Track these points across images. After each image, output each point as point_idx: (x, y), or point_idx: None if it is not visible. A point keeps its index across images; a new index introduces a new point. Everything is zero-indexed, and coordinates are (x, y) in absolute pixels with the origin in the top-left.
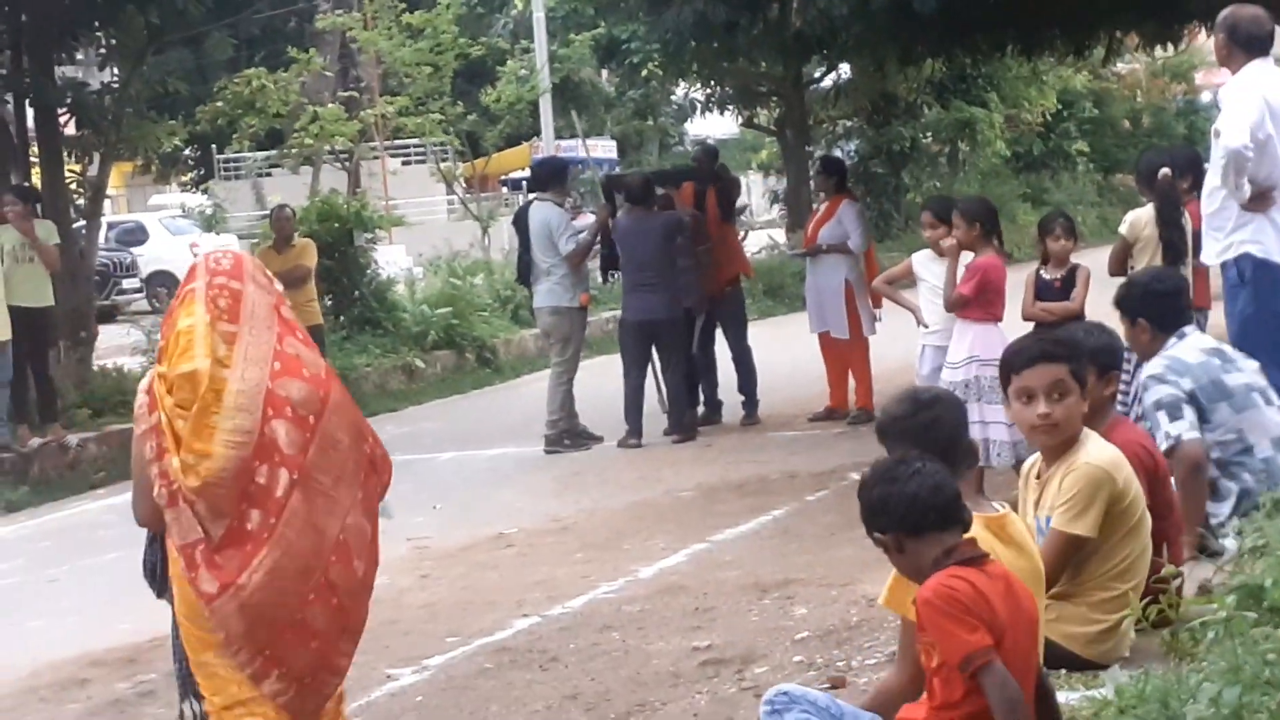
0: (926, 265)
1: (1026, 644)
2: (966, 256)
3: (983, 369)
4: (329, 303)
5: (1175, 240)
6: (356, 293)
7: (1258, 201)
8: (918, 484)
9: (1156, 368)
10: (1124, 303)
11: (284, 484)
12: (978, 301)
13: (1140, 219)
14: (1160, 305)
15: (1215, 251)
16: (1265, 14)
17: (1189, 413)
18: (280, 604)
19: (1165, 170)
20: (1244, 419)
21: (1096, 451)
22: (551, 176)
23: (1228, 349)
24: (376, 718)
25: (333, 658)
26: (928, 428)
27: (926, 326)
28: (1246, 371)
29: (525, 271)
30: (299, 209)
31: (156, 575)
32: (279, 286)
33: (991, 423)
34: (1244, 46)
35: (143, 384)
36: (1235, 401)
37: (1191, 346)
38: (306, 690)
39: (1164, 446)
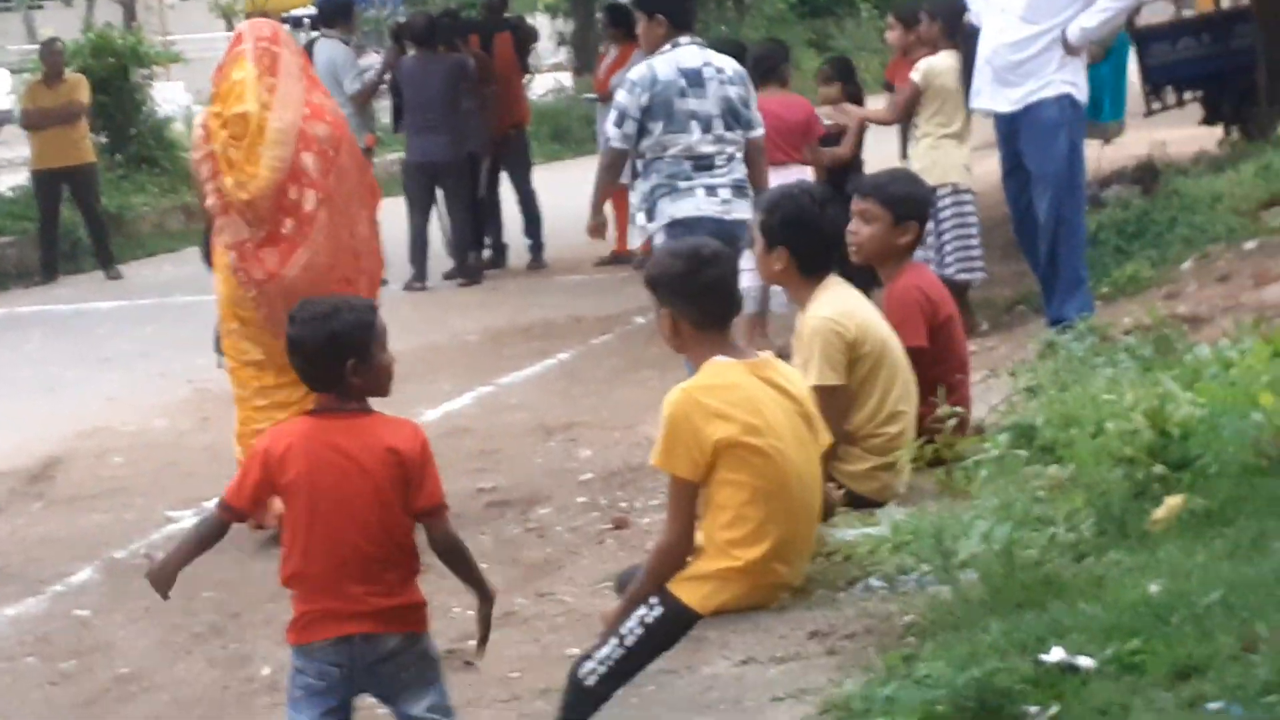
0: None
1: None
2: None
3: None
4: (104, 140)
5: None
6: (133, 130)
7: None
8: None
9: (634, 73)
10: (645, 1)
11: (312, 201)
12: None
13: (937, 67)
14: (677, 4)
15: (1018, 96)
16: None
17: (629, 124)
18: (311, 290)
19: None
20: (673, 139)
21: (818, 306)
22: (338, 12)
23: (709, 75)
24: None
25: None
26: (706, 289)
27: None
28: (706, 101)
29: None
30: (72, 43)
31: (210, 259)
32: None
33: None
34: None
35: (197, 120)
36: (674, 122)
37: (669, 61)
38: None
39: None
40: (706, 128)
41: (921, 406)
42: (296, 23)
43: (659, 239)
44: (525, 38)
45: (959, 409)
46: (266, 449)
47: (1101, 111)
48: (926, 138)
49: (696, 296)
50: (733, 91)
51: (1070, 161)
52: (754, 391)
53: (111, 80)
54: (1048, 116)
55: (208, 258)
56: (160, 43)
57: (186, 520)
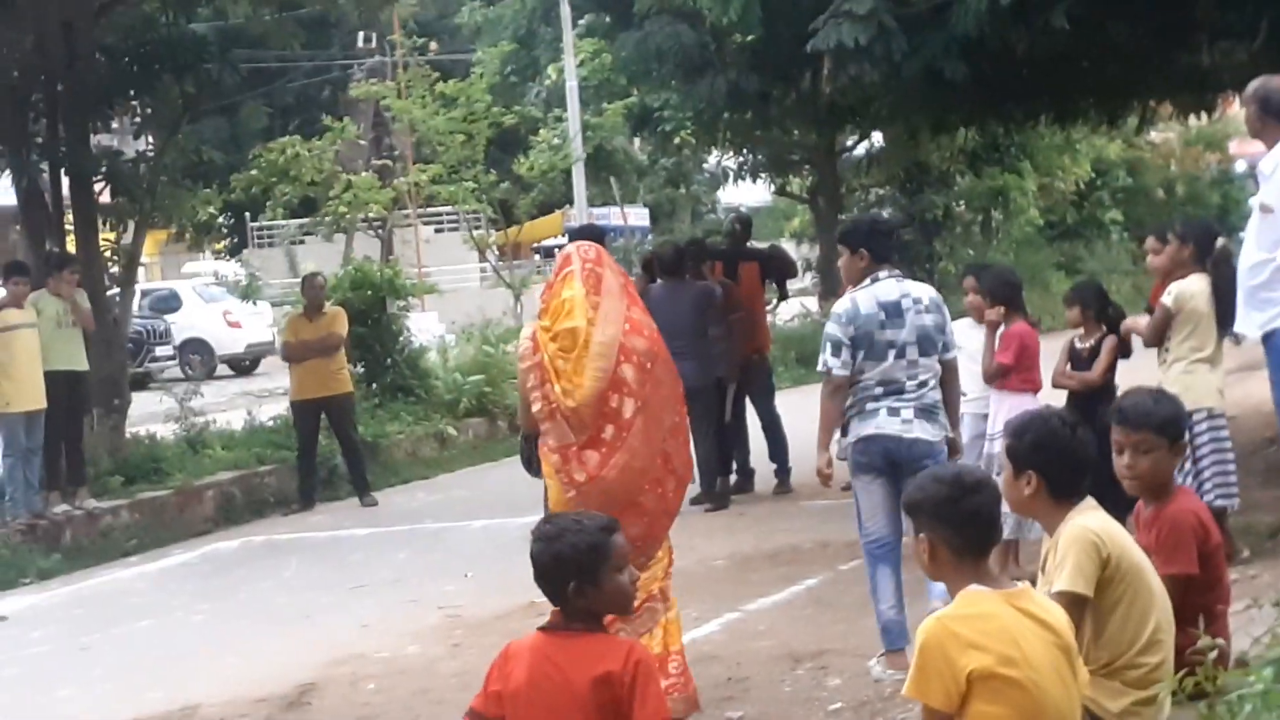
0: (965, 333)
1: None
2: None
3: None
4: (361, 370)
5: (1231, 313)
6: (389, 360)
7: None
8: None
9: (839, 306)
10: (848, 237)
11: (631, 409)
12: (1016, 370)
13: (1187, 290)
14: (878, 240)
15: (1260, 321)
16: None
17: (845, 352)
18: (626, 490)
19: (1224, 240)
20: (870, 365)
21: (1083, 518)
22: (590, 241)
23: (906, 305)
24: None
25: (656, 530)
26: (969, 517)
27: (965, 394)
28: (902, 331)
29: None
30: (332, 277)
31: (531, 464)
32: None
33: None
34: (1277, 116)
35: (525, 333)
36: (874, 351)
37: (870, 294)
38: (638, 551)
39: (820, 369)
40: (901, 354)
41: (1181, 638)
42: (548, 253)
43: (847, 453)
44: (784, 269)
45: (1220, 640)
46: (503, 653)
47: None
48: (1179, 362)
49: (959, 523)
50: (929, 320)
51: None
52: (1010, 622)
53: (369, 312)
54: (1275, 346)
55: (527, 463)
56: (416, 275)
57: None
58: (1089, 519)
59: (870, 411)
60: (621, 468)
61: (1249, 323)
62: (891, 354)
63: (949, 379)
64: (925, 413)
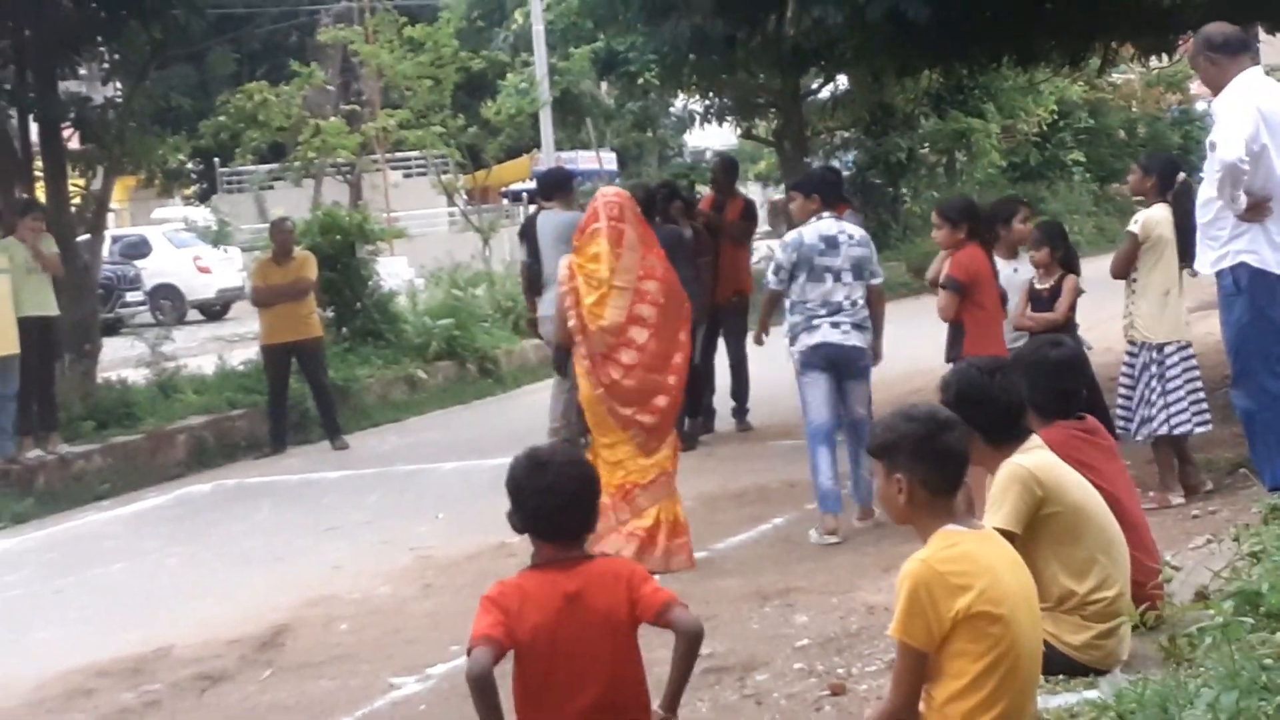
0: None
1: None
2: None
3: None
4: (331, 315)
5: (1190, 244)
6: (358, 305)
7: (1253, 212)
8: None
9: (788, 236)
10: (803, 185)
11: (645, 337)
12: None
13: (1154, 218)
14: (828, 188)
15: (1210, 260)
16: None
17: (783, 273)
18: (641, 393)
19: (1184, 175)
20: (813, 288)
21: (1021, 457)
22: (557, 186)
23: (842, 240)
24: None
25: (666, 421)
26: (946, 454)
27: None
28: (838, 259)
29: (536, 280)
30: (301, 222)
31: (562, 369)
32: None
33: None
34: (1224, 50)
35: (563, 263)
36: (814, 274)
37: (814, 229)
38: (650, 437)
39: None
40: (837, 278)
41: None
42: (516, 196)
43: (795, 359)
44: (750, 218)
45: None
46: (501, 594)
47: None
48: (1150, 293)
49: (938, 460)
50: (859, 251)
51: (1241, 331)
52: (991, 559)
53: (338, 256)
54: (1224, 287)
55: (559, 368)
56: (384, 219)
57: (410, 687)
58: (1027, 458)
59: (815, 326)
60: (639, 378)
61: (1203, 260)
62: (829, 277)
63: (875, 300)
64: (858, 327)
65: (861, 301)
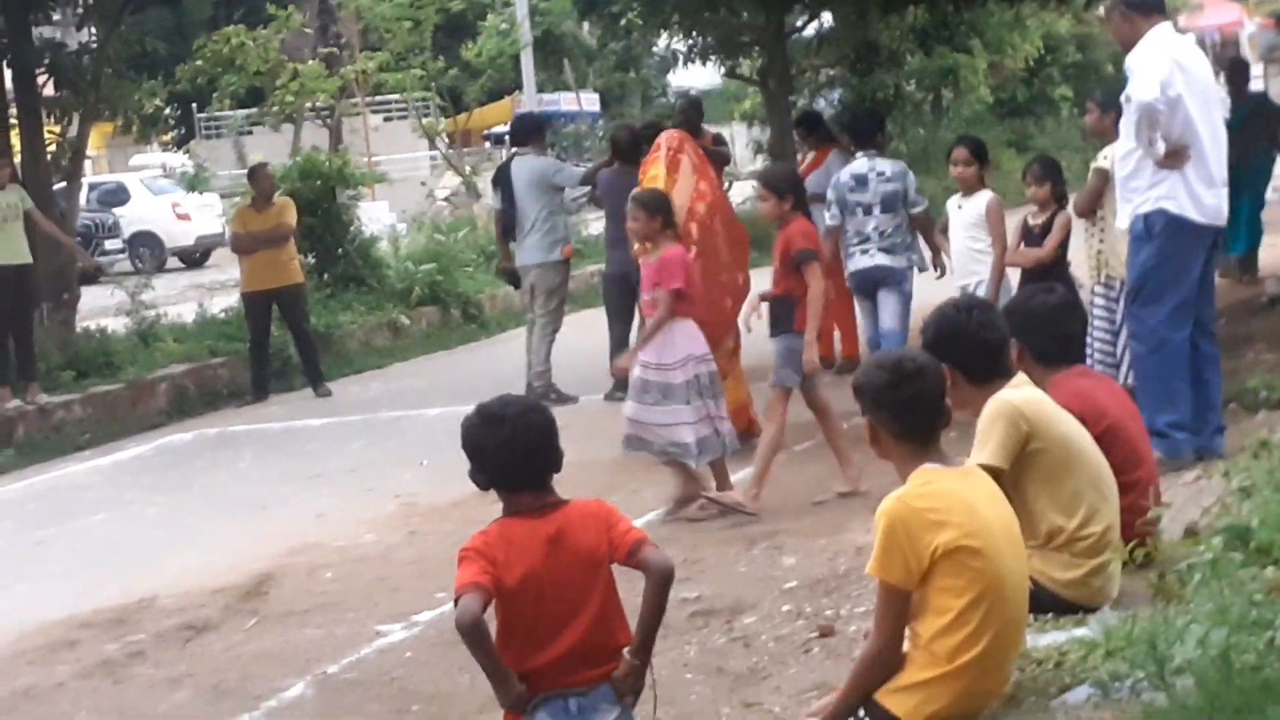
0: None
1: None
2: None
3: None
4: (312, 260)
5: None
6: (340, 250)
7: (1171, 158)
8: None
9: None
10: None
11: (692, 253)
12: None
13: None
14: (861, 125)
15: (1128, 212)
16: None
17: (834, 208)
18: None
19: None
20: (849, 221)
21: (1007, 393)
22: (530, 132)
23: (871, 178)
24: (367, 673)
25: (719, 331)
26: (908, 403)
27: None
28: (867, 194)
29: (511, 227)
30: (281, 167)
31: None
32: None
33: None
34: (1140, 8)
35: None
36: (848, 209)
37: (848, 169)
38: (709, 342)
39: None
40: (868, 212)
41: (1127, 512)
42: (497, 139)
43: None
44: (716, 159)
45: (1163, 507)
46: (485, 543)
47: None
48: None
49: (897, 409)
50: (889, 187)
51: (1145, 273)
52: (968, 495)
53: (319, 202)
54: (1134, 231)
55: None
56: (365, 164)
57: (396, 634)
58: (1013, 394)
59: (851, 254)
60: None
61: (1123, 214)
62: (860, 211)
63: (919, 226)
64: (885, 250)
65: (892, 229)
